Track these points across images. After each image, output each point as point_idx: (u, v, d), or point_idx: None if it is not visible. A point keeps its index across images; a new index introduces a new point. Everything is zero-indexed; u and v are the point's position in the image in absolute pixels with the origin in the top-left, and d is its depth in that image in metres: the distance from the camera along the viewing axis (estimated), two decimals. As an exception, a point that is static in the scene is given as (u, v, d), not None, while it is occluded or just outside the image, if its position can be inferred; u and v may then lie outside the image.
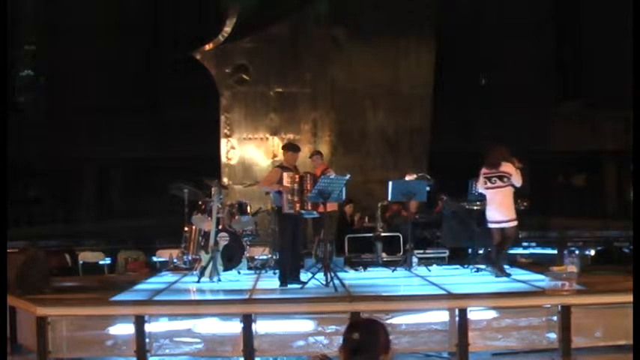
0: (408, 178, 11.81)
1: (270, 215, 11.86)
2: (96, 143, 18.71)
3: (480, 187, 10.17)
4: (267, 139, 14.82)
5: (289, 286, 9.47)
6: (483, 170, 10.05)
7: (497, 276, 9.80)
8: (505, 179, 9.88)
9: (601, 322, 7.87)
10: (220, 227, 10.73)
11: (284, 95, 14.88)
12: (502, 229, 9.97)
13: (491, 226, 10.05)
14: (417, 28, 14.97)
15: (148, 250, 13.69)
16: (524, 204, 11.24)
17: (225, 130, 14.73)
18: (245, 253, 11.29)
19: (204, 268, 10.05)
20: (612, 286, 8.79)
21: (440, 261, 12.02)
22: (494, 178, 9.93)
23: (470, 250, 11.57)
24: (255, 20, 14.73)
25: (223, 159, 14.70)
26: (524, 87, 18.84)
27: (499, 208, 9.94)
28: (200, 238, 11.18)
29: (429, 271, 10.83)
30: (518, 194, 11.04)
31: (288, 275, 9.55)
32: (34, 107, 20.62)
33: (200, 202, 11.08)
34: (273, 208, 11.65)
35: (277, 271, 10.07)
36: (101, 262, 12.94)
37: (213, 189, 10.51)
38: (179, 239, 11.73)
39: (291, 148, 10.20)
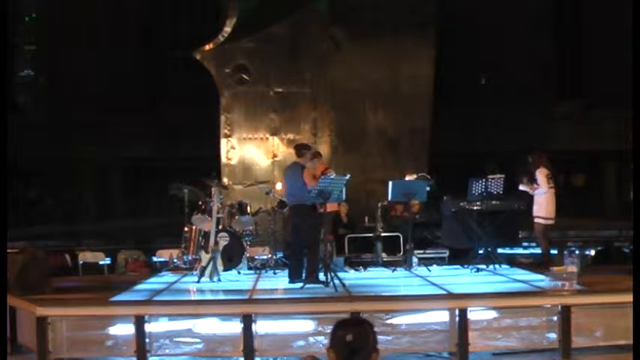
0: (408, 178, 11.82)
1: (271, 215, 11.85)
2: (96, 143, 18.68)
3: (546, 186, 10.61)
4: (267, 139, 14.80)
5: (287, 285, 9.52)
6: (546, 172, 10.58)
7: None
8: None
9: (601, 322, 7.89)
10: (220, 227, 10.72)
11: (284, 95, 14.85)
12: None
13: (550, 222, 10.69)
14: (417, 28, 14.92)
15: (148, 250, 13.68)
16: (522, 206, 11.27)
17: (225, 130, 14.71)
18: (245, 253, 11.28)
19: (204, 268, 10.05)
20: (612, 286, 8.80)
21: (440, 261, 12.02)
22: (552, 178, 10.61)
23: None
24: (255, 20, 14.71)
25: (223, 159, 14.68)
26: (524, 87, 18.83)
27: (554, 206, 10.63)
28: (200, 239, 11.17)
29: (429, 271, 10.83)
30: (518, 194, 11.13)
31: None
32: (34, 107, 20.60)
33: (200, 203, 11.08)
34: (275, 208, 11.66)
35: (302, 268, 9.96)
36: (101, 262, 12.94)
37: (213, 189, 10.51)
38: (179, 239, 11.73)
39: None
